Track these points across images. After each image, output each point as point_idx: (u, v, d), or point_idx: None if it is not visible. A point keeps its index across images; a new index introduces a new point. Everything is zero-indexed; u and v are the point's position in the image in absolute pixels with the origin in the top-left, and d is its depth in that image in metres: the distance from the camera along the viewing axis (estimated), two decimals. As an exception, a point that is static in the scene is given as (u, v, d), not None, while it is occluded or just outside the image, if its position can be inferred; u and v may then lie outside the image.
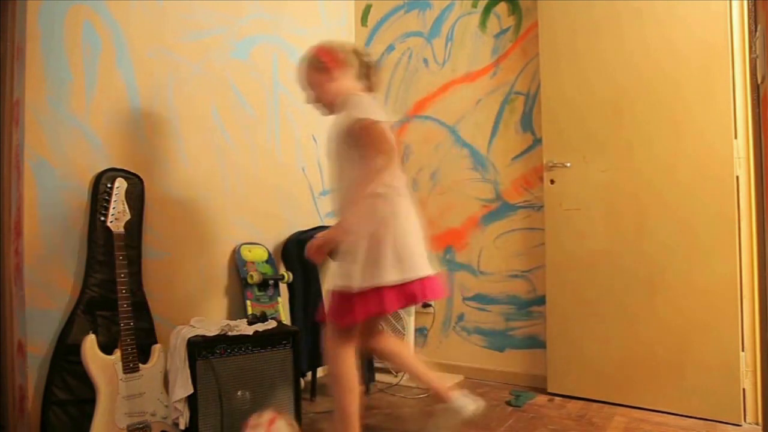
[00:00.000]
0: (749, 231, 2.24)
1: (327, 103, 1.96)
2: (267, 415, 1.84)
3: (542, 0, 2.73)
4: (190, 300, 2.40)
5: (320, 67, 1.94)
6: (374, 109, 1.80)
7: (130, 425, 1.89)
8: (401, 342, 1.98)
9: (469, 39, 3.12)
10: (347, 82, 1.93)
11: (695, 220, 2.34)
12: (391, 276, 1.73)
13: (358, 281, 1.73)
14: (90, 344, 1.87)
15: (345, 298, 1.76)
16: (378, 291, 1.73)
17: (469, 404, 1.94)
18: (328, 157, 1.97)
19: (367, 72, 1.99)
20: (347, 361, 1.81)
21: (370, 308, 1.75)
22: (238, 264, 2.57)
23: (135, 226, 2.13)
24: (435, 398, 2.02)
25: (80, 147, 2.04)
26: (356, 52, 1.98)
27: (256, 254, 2.63)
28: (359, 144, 1.76)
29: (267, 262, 2.66)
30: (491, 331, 3.01)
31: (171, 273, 2.33)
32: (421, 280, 1.79)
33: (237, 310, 2.60)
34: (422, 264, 1.81)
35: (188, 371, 1.91)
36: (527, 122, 2.93)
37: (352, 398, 1.80)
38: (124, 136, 2.18)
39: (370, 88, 1.99)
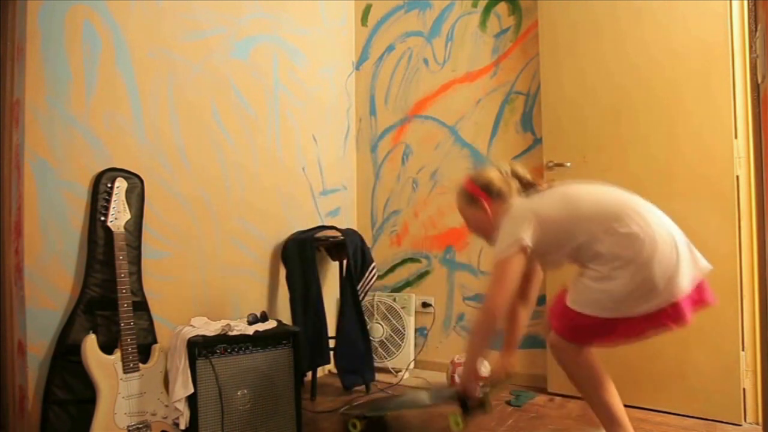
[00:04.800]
0: (749, 231, 2.24)
1: (486, 235, 1.87)
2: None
3: (542, 0, 2.73)
4: (190, 300, 2.41)
5: (470, 199, 1.86)
6: (521, 222, 1.71)
7: (130, 425, 1.89)
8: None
9: (469, 39, 3.12)
10: (499, 207, 1.81)
11: (695, 220, 2.33)
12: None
13: None
14: (90, 344, 1.87)
15: None
16: None
17: None
18: None
19: (525, 185, 1.88)
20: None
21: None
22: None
23: (135, 226, 2.14)
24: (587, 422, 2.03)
25: (80, 147, 2.04)
26: (514, 173, 1.87)
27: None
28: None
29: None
30: (491, 331, 3.00)
31: (171, 273, 2.33)
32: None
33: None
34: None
35: (188, 371, 1.91)
36: (527, 122, 2.93)
37: (602, 392, 1.75)
38: (124, 136, 2.18)
39: (527, 189, 1.88)
